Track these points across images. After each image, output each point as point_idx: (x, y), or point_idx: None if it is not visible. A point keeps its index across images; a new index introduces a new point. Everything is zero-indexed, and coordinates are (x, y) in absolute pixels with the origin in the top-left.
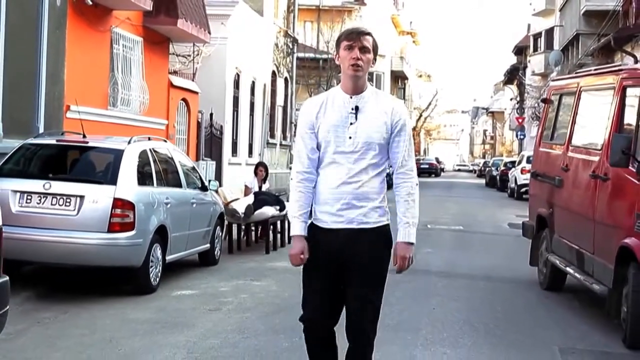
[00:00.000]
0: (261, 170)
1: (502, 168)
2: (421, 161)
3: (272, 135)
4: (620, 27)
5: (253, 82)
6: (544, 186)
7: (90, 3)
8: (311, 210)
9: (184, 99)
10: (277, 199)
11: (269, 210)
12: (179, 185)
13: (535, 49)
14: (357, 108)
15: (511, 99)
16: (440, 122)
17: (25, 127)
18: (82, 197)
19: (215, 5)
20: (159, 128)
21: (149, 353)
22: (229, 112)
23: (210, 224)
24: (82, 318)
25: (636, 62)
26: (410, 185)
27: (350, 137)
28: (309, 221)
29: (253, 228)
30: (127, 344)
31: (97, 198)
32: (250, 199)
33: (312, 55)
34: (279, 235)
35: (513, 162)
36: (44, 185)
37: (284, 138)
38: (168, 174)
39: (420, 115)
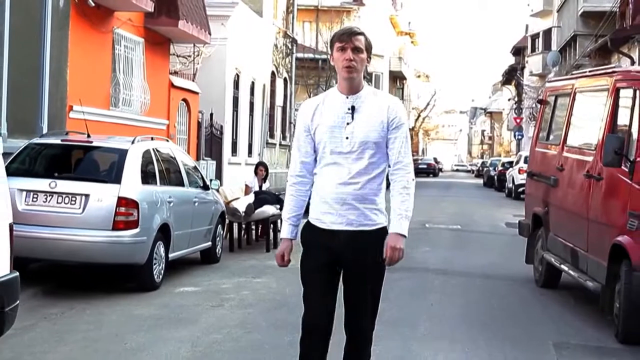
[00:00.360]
0: (261, 169)
1: (500, 168)
2: (419, 161)
3: (272, 135)
4: (617, 28)
5: (252, 83)
6: (539, 186)
7: (93, 4)
8: (307, 209)
9: (184, 99)
10: (277, 198)
11: (269, 209)
12: (182, 185)
13: (533, 50)
14: (353, 108)
15: (509, 100)
16: (439, 123)
17: (29, 127)
18: (87, 195)
19: (215, 6)
20: (160, 128)
21: (155, 347)
22: (228, 112)
23: (211, 222)
24: (87, 314)
25: (633, 63)
26: (406, 179)
27: (347, 138)
28: (304, 220)
29: (253, 227)
30: (132, 339)
31: (101, 197)
32: (250, 198)
33: (311, 55)
34: (279, 234)
35: (511, 162)
36: (49, 184)
37: (283, 138)
38: (171, 173)
39: (419, 116)
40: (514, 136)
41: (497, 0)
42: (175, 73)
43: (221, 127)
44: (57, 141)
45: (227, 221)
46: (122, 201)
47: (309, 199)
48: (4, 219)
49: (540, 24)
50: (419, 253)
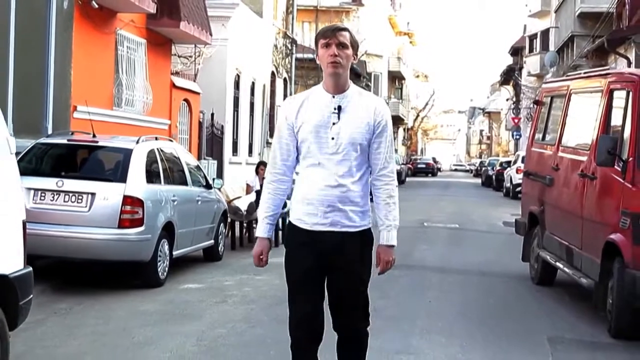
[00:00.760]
0: (262, 169)
1: (498, 168)
2: (418, 161)
3: (272, 135)
4: (613, 29)
5: (253, 83)
6: (535, 185)
7: (96, 6)
8: (285, 209)
9: (185, 100)
10: None
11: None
12: (185, 183)
13: (531, 50)
14: (339, 108)
15: (507, 100)
16: (437, 122)
17: (34, 127)
18: (93, 194)
19: (215, 7)
20: (162, 128)
21: (161, 341)
22: (229, 112)
23: (214, 220)
24: (95, 309)
25: (629, 63)
26: (391, 188)
27: (332, 138)
28: (287, 220)
29: (254, 225)
30: (140, 333)
31: (107, 195)
32: (252, 197)
33: (310, 55)
34: (280, 233)
35: (509, 162)
36: (56, 183)
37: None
38: (174, 173)
39: (418, 115)
40: (512, 136)
41: (495, 0)
42: (177, 73)
43: (222, 127)
44: (64, 141)
45: (228, 220)
46: (127, 200)
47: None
48: (18, 216)
49: (538, 25)
50: (417, 251)
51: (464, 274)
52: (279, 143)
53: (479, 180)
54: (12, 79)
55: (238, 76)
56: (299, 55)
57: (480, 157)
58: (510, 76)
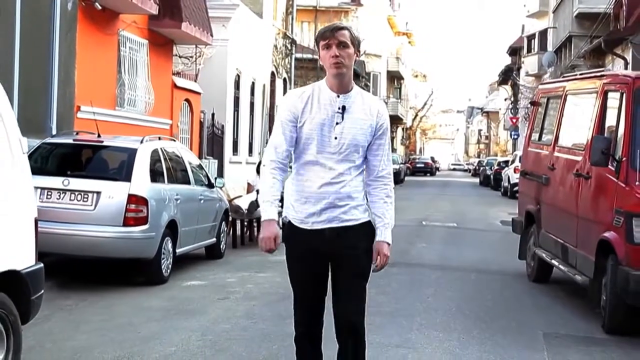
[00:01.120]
0: None
1: (496, 167)
2: (417, 160)
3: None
4: (611, 29)
5: (253, 83)
6: (532, 184)
7: (99, 7)
8: (282, 205)
9: (187, 100)
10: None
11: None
12: (188, 183)
13: (529, 50)
14: (344, 108)
15: (505, 99)
16: (436, 122)
17: (39, 127)
18: (98, 193)
19: (216, 8)
20: (164, 128)
21: (167, 335)
22: (229, 112)
23: (216, 219)
24: (100, 305)
25: (626, 64)
26: (389, 188)
27: (335, 138)
28: (287, 219)
29: (255, 224)
30: (145, 328)
31: (112, 194)
32: (253, 196)
33: (309, 55)
34: (280, 232)
35: (506, 162)
36: (62, 182)
37: None
38: (177, 172)
39: (416, 115)
40: (510, 136)
41: (493, 0)
42: (178, 74)
43: (222, 126)
44: (69, 141)
45: (230, 218)
46: (132, 198)
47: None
48: (30, 213)
49: (536, 25)
50: (415, 249)
51: (461, 272)
52: (283, 133)
53: (477, 180)
54: (17, 80)
55: (238, 76)
56: (299, 55)
57: (479, 156)
58: (508, 76)
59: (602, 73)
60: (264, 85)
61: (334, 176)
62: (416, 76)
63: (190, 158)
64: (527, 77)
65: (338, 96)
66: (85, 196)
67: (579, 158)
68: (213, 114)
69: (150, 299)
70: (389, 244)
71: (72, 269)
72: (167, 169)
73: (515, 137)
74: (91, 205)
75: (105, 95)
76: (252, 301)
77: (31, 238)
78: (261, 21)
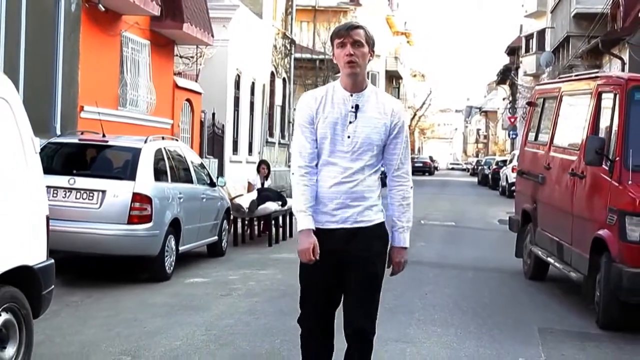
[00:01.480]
0: (264, 168)
1: (494, 167)
2: (415, 160)
3: (271, 134)
4: (608, 30)
5: (253, 83)
6: (528, 183)
7: (103, 9)
8: (285, 207)
9: (188, 100)
10: (279, 195)
11: (271, 206)
12: (190, 181)
13: (527, 50)
14: (357, 107)
15: (504, 99)
16: (434, 121)
17: (43, 126)
18: (104, 191)
19: (217, 9)
20: (165, 127)
21: (172, 330)
22: (230, 111)
23: (217, 217)
24: (105, 302)
25: (623, 64)
26: (405, 189)
27: (349, 137)
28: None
29: (256, 222)
30: (150, 323)
31: (117, 193)
32: (253, 195)
33: (308, 55)
34: (280, 230)
35: (504, 161)
36: (68, 181)
37: (282, 137)
38: (180, 171)
39: (415, 114)
40: (509, 135)
41: (492, 0)
42: (179, 74)
43: (223, 126)
44: (75, 140)
45: (231, 217)
46: (136, 197)
47: None
48: (42, 211)
49: (534, 25)
50: (414, 248)
51: (459, 269)
52: (303, 137)
53: (475, 179)
54: (22, 80)
55: (238, 76)
56: (297, 55)
57: (477, 156)
58: (506, 76)
59: (597, 74)
60: (263, 85)
61: (346, 175)
62: (415, 76)
63: (192, 157)
64: (525, 77)
65: (351, 95)
66: (91, 195)
67: (574, 158)
68: (213, 114)
69: (154, 296)
70: (404, 249)
71: (77, 266)
72: (171, 168)
73: (514, 136)
74: (96, 203)
75: (107, 96)
76: (254, 297)
77: (43, 235)
78: (261, 21)
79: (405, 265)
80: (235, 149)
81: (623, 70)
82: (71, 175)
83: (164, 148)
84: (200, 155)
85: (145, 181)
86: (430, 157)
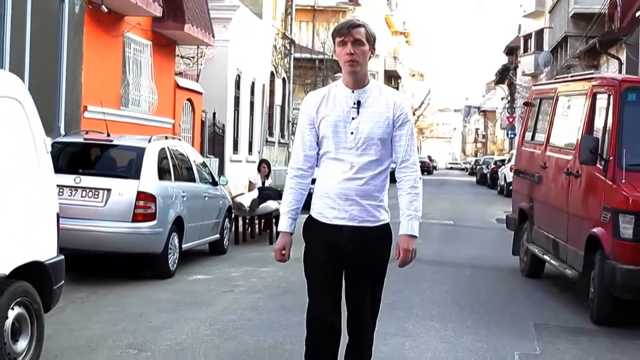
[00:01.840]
0: (264, 167)
1: (492, 166)
2: None
3: (271, 134)
4: (605, 30)
5: (253, 83)
6: (525, 182)
7: (106, 10)
8: (308, 202)
9: (189, 99)
10: (279, 194)
11: (272, 204)
12: (193, 180)
13: (526, 50)
14: (359, 103)
15: (502, 99)
16: (433, 121)
17: (47, 126)
18: (109, 190)
19: (218, 10)
20: (167, 127)
21: (177, 325)
22: (230, 111)
23: (219, 216)
24: (110, 298)
25: (620, 64)
26: (413, 178)
27: (352, 133)
28: (305, 215)
29: (257, 221)
30: (155, 318)
31: (122, 191)
32: (254, 194)
33: (308, 55)
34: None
35: (503, 161)
36: (74, 180)
37: (282, 136)
38: (183, 170)
39: (413, 114)
40: (507, 135)
41: (490, 0)
42: (180, 74)
43: (223, 125)
44: (80, 140)
45: (233, 215)
46: (141, 195)
47: (309, 193)
48: (53, 208)
49: (533, 25)
50: None
51: (457, 267)
52: (301, 138)
53: (474, 179)
54: (27, 80)
55: (239, 76)
56: (297, 55)
57: (476, 155)
58: (505, 75)
59: (592, 76)
60: (263, 85)
61: (355, 172)
62: (413, 75)
63: (194, 156)
64: (523, 77)
65: (353, 92)
66: (96, 193)
67: (570, 157)
68: (214, 114)
69: (158, 292)
70: (414, 237)
71: (81, 263)
72: (174, 167)
73: (512, 136)
74: (102, 202)
75: (110, 96)
76: (257, 294)
77: (53, 231)
78: (261, 22)
79: (414, 256)
80: (235, 149)
81: (620, 70)
82: (77, 174)
83: (168, 147)
84: (201, 154)
85: (149, 180)
86: (429, 157)
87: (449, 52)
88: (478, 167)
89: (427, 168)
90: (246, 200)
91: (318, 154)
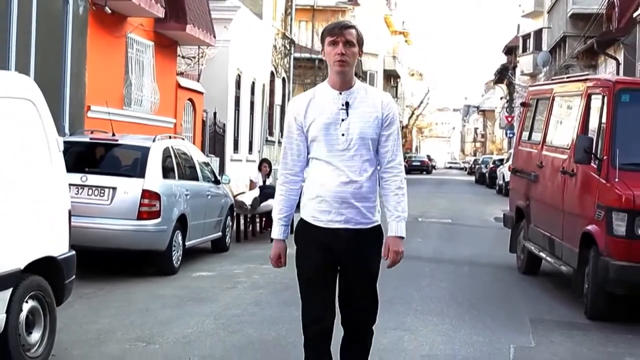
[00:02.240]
0: (265, 166)
1: (491, 165)
2: (413, 158)
3: (271, 133)
4: (603, 30)
5: (253, 83)
6: (522, 181)
7: (109, 11)
8: (299, 205)
9: (190, 99)
10: None
11: (273, 203)
12: (196, 179)
13: (524, 50)
14: (347, 104)
15: (501, 98)
16: (432, 120)
17: None
18: (114, 188)
19: (218, 10)
20: (168, 126)
21: (182, 320)
22: (231, 111)
23: (221, 214)
24: (116, 293)
25: (618, 64)
26: (400, 179)
27: (342, 134)
28: (299, 217)
29: (258, 220)
30: (161, 313)
31: (127, 189)
32: (256, 193)
33: (307, 55)
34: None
35: (501, 160)
36: (80, 178)
37: (282, 136)
38: (186, 169)
39: (413, 113)
40: (506, 134)
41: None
42: (181, 74)
43: (224, 125)
44: (86, 139)
45: (234, 213)
46: (146, 194)
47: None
48: (65, 205)
49: (531, 25)
50: (411, 244)
51: (455, 264)
52: (289, 144)
53: (472, 178)
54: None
55: (239, 76)
56: (296, 55)
57: (475, 155)
58: (504, 75)
59: (587, 77)
60: (263, 85)
61: (348, 174)
62: (412, 75)
63: (197, 155)
64: (522, 77)
65: (340, 93)
66: (102, 191)
67: (565, 156)
68: (215, 113)
69: (163, 288)
70: (401, 238)
71: (88, 260)
72: (177, 166)
73: (511, 135)
74: (107, 200)
75: (113, 95)
76: (259, 290)
77: (65, 228)
78: (261, 22)
79: (402, 257)
80: (236, 148)
81: (618, 70)
82: (83, 173)
83: (171, 146)
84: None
85: (154, 178)
86: (428, 156)
87: (448, 52)
88: (477, 166)
89: (426, 167)
90: (248, 198)
91: (307, 158)
